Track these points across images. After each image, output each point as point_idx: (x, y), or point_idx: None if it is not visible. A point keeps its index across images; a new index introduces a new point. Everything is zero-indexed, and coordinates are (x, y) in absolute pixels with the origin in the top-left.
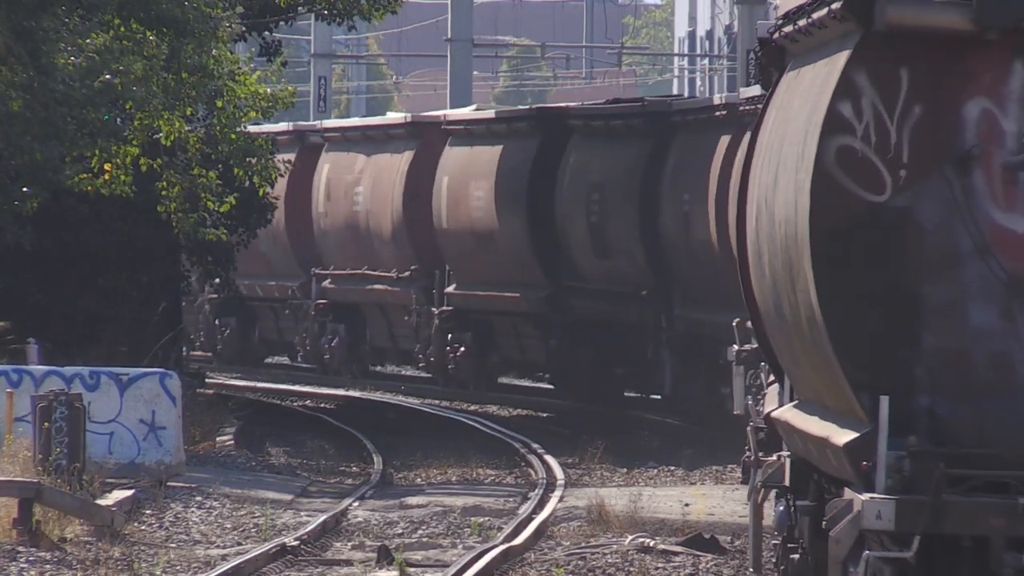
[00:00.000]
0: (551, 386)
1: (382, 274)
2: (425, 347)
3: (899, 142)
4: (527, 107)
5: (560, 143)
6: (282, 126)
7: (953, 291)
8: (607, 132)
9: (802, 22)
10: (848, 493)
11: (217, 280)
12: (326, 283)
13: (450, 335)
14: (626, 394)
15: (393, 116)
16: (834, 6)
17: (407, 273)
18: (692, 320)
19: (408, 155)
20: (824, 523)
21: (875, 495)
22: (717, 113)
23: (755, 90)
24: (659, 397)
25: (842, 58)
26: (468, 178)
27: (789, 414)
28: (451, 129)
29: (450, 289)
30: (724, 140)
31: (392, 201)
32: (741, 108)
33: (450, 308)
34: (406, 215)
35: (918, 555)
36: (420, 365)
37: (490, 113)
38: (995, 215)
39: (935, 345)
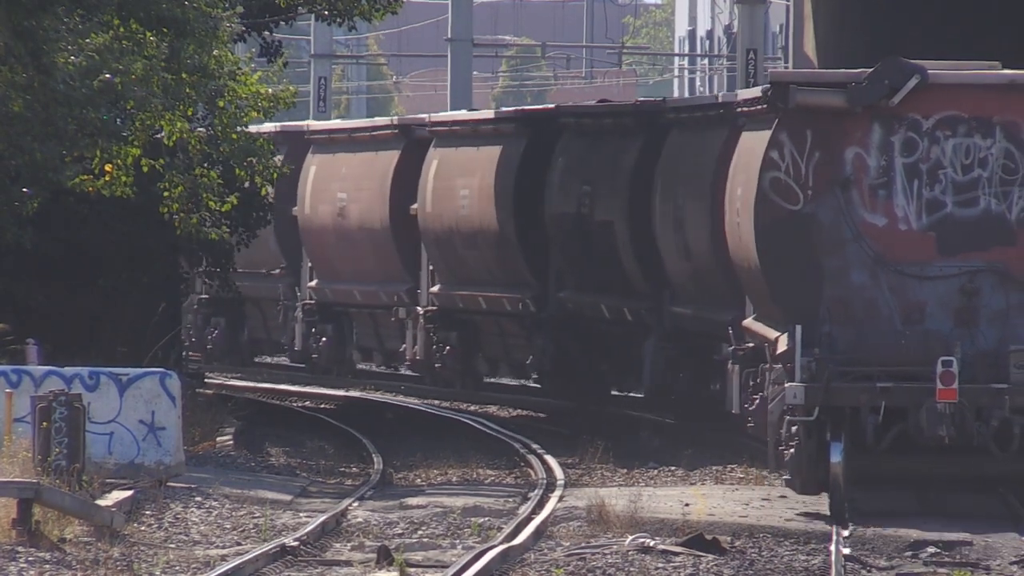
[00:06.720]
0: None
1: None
2: (412, 345)
3: (807, 173)
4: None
5: (549, 143)
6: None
7: (841, 262)
8: (597, 130)
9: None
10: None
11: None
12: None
13: (436, 336)
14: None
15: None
16: (767, 93)
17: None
18: (684, 317)
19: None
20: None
21: (793, 383)
22: (713, 112)
23: (755, 91)
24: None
25: (774, 124)
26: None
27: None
28: (437, 131)
29: (434, 289)
30: (720, 137)
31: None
32: (738, 108)
33: (435, 308)
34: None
35: (819, 419)
36: (406, 363)
37: (488, 114)
38: (865, 216)
39: (831, 295)
